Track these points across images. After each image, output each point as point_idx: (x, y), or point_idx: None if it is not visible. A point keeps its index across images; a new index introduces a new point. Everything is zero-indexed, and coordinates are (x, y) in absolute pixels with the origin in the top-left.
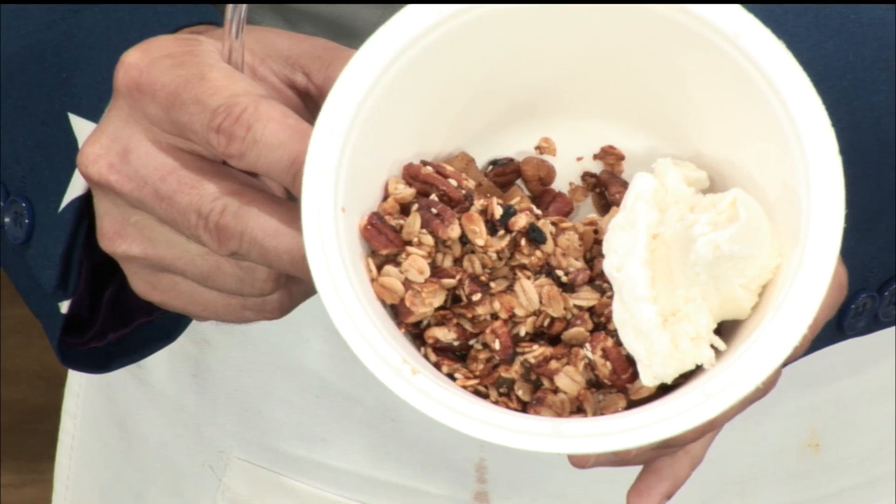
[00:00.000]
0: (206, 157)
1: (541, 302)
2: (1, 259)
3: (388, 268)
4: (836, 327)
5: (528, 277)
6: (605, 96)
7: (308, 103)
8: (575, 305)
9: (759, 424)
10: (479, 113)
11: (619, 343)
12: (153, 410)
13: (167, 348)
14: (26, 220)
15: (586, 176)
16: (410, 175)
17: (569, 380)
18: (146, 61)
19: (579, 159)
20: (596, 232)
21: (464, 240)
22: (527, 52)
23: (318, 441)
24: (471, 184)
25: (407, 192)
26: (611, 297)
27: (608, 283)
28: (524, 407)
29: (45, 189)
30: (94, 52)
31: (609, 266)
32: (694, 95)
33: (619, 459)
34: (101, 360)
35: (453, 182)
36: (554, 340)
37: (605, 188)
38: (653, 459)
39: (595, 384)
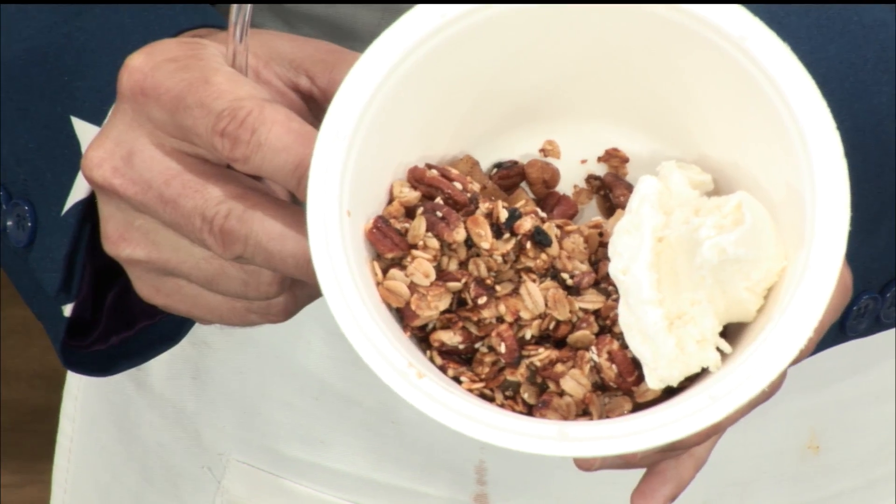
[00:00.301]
0: (211, 160)
1: (546, 305)
2: (3, 262)
3: (394, 271)
4: (838, 329)
5: (534, 280)
6: (609, 99)
7: (312, 107)
8: (580, 308)
9: (760, 426)
10: (483, 116)
11: (624, 346)
12: (152, 412)
13: (166, 351)
14: (29, 224)
15: (590, 179)
16: (415, 178)
17: (574, 383)
18: (150, 65)
19: (583, 162)
20: (601, 235)
21: (469, 243)
22: (531, 55)
23: (317, 443)
24: (476, 187)
25: (412, 195)
26: (616, 300)
27: (613, 286)
28: (530, 410)
29: (47, 192)
30: (97, 54)
31: (615, 269)
32: (698, 98)
33: (624, 462)
34: (104, 363)
35: (458, 185)
36: (559, 343)
37: (610, 191)
38: (657, 461)
39: (601, 387)
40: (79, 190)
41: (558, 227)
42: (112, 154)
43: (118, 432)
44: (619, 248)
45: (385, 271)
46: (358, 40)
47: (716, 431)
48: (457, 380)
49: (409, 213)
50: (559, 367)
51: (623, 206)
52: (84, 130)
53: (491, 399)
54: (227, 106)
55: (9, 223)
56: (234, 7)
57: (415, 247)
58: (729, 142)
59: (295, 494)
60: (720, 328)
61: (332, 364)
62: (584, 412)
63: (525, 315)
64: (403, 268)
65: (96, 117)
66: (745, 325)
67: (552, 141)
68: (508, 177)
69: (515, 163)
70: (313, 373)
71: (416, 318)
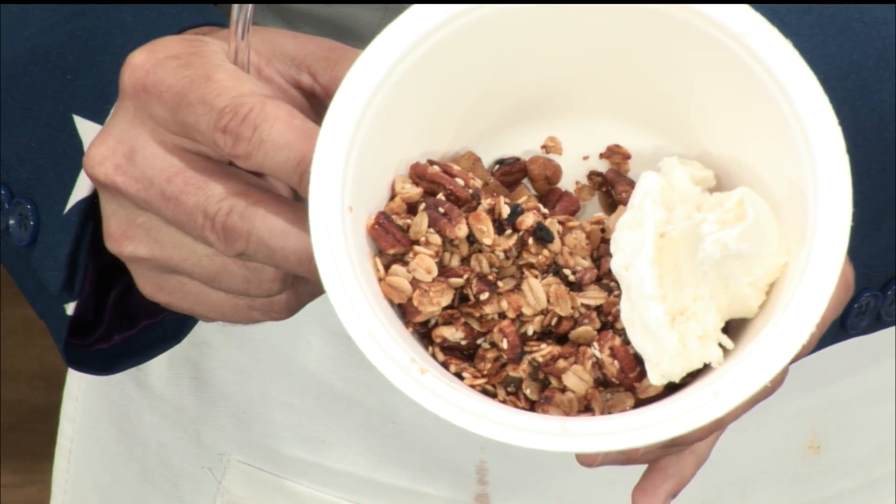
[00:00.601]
0: (213, 157)
1: (548, 301)
2: (5, 261)
3: (396, 267)
4: (839, 326)
5: (536, 276)
6: (610, 95)
7: (314, 103)
8: (582, 304)
9: (760, 426)
10: (485, 112)
11: (626, 342)
12: (152, 413)
13: (167, 351)
14: (31, 222)
15: (592, 175)
16: (417, 174)
17: (577, 379)
18: (152, 62)
19: (585, 158)
20: (603, 231)
21: (471, 239)
22: (532, 52)
23: (317, 443)
24: (478, 183)
25: (414, 191)
26: (618, 296)
27: (615, 281)
28: (532, 406)
29: (49, 191)
30: (99, 53)
31: (617, 265)
32: (700, 94)
33: (626, 458)
34: (106, 362)
35: (460, 181)
36: (562, 339)
37: (612, 187)
38: (658, 458)
39: (603, 383)
40: (81, 188)
41: (560, 223)
42: (114, 151)
43: (118, 433)
44: (621, 244)
45: (387, 267)
46: (359, 39)
47: (718, 427)
48: (459, 376)
49: (411, 209)
50: (561, 363)
51: (625, 203)
52: (86, 129)
53: (493, 395)
54: (229, 103)
55: (11, 222)
56: (236, 4)
57: (417, 243)
58: (731, 138)
59: (295, 495)
60: (722, 324)
61: (332, 364)
62: (586, 408)
63: (527, 311)
64: (405, 264)
65: (99, 116)
66: (747, 320)
67: (554, 137)
68: (510, 173)
69: (517, 159)
70: (314, 373)
71: (418, 314)
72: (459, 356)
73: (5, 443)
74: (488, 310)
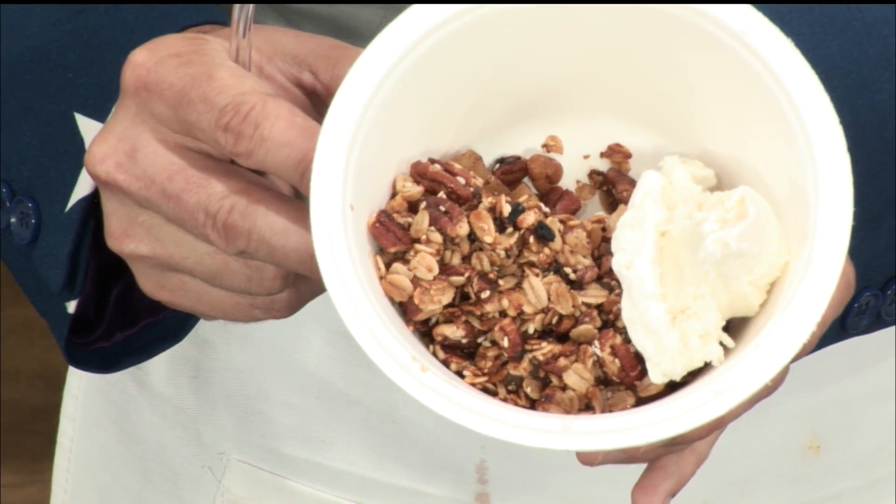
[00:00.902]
0: (214, 155)
1: (549, 299)
2: (6, 259)
3: (397, 265)
4: (839, 326)
5: (537, 275)
6: (611, 94)
7: (315, 102)
8: (583, 303)
9: (760, 426)
10: (486, 111)
11: (627, 340)
12: (152, 412)
13: (167, 350)
14: (32, 221)
15: (593, 174)
16: (418, 173)
17: (577, 377)
18: (153, 60)
19: (586, 157)
20: (603, 230)
21: (472, 237)
22: (533, 51)
23: (318, 442)
24: (479, 181)
25: (415, 189)
26: (619, 295)
27: (616, 280)
28: (533, 404)
29: (51, 189)
30: (100, 51)
31: (618, 264)
32: (701, 93)
33: (627, 457)
34: (107, 361)
35: (461, 180)
36: (562, 338)
37: (613, 186)
38: (659, 456)
39: (603, 381)
40: (82, 186)
41: (561, 221)
42: (115, 149)
43: (119, 432)
44: (622, 243)
45: (388, 265)
46: (360, 38)
47: (719, 426)
48: (460, 374)
49: (412, 207)
50: (562, 362)
51: (626, 202)
52: (87, 127)
53: (494, 393)
54: (231, 101)
55: (12, 220)
56: (237, 4)
57: (418, 241)
58: (731, 137)
59: (295, 494)
60: (723, 323)
61: (332, 363)
62: (587, 406)
63: (528, 309)
64: (406, 262)
65: (100, 114)
66: (747, 319)
67: (555, 136)
68: (511, 172)
69: (518, 158)
70: (314, 372)
71: (419, 313)
72: (460, 354)
73: (5, 443)
74: (489, 308)
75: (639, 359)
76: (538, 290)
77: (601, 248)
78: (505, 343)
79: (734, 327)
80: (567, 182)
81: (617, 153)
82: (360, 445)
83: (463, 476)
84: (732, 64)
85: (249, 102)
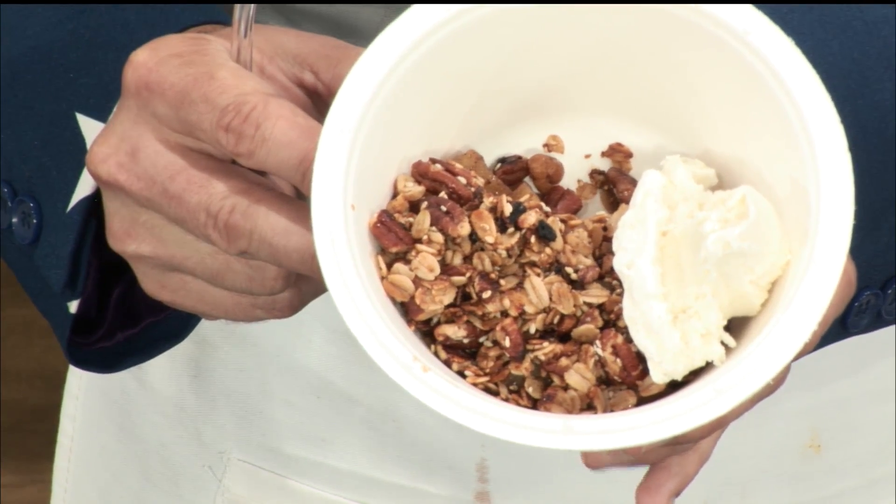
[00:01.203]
0: (216, 155)
1: (550, 299)
2: (8, 259)
3: (398, 265)
4: (839, 325)
5: (538, 275)
6: (612, 94)
7: (316, 102)
8: (585, 303)
9: (760, 425)
10: (487, 111)
11: (629, 340)
12: (153, 412)
13: (170, 349)
14: (34, 221)
15: (594, 173)
16: (419, 173)
17: (579, 377)
18: (155, 60)
19: (587, 157)
20: (605, 229)
21: (473, 237)
22: (534, 50)
23: (318, 442)
24: (480, 181)
25: (416, 189)
26: (620, 295)
27: (617, 280)
28: (534, 404)
29: (52, 189)
30: (102, 51)
31: (619, 263)
32: (702, 92)
33: (633, 459)
34: (109, 360)
35: (462, 180)
36: (564, 338)
37: (614, 185)
38: (664, 457)
39: (605, 381)
40: (84, 186)
41: (562, 221)
42: (117, 149)
43: (119, 431)
44: (623, 243)
45: (389, 265)
46: (361, 38)
47: (721, 425)
48: (461, 374)
49: (414, 207)
50: (564, 362)
51: (627, 201)
52: (89, 127)
53: (495, 393)
54: (232, 101)
55: (14, 220)
56: (238, 4)
57: (419, 241)
58: (733, 136)
59: (296, 493)
60: (724, 322)
61: (333, 362)
62: (588, 406)
63: (529, 309)
64: (408, 262)
65: (101, 114)
66: (749, 319)
67: (556, 136)
68: (512, 172)
69: (519, 158)
70: (314, 371)
71: (421, 313)
72: (462, 354)
73: (5, 443)
74: (490, 308)
75: (640, 358)
76: (540, 290)
77: (602, 247)
78: (506, 343)
79: (735, 327)
80: (568, 182)
81: (618, 152)
82: (360, 445)
83: (463, 475)
84: (733, 63)
85: (251, 102)
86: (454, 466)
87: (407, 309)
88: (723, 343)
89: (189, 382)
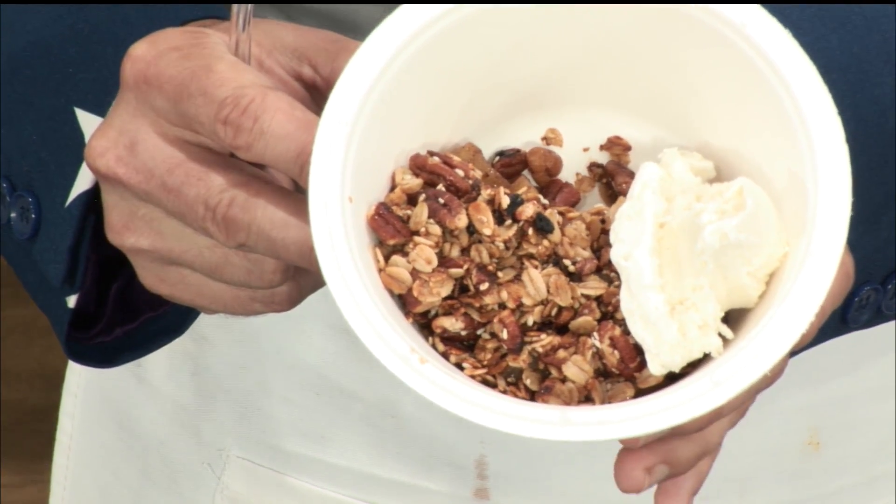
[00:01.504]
0: (214, 149)
1: (548, 291)
2: (7, 254)
3: (396, 258)
4: (839, 320)
5: (536, 267)
6: (610, 87)
7: (315, 95)
8: (582, 295)
9: (759, 423)
10: (485, 104)
11: (626, 332)
12: (152, 409)
13: (166, 346)
14: (32, 215)
15: (593, 166)
16: (417, 165)
17: (577, 369)
18: (153, 54)
19: (586, 150)
20: (603, 222)
21: (471, 230)
22: (532, 44)
23: (317, 439)
24: (478, 174)
25: (414, 182)
26: (618, 287)
27: (615, 272)
28: (532, 396)
29: (51, 183)
30: (100, 46)
31: (616, 255)
32: (700, 85)
33: (670, 472)
34: (107, 355)
35: (460, 172)
36: (562, 330)
37: (612, 178)
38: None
39: (603, 373)
40: (83, 181)
41: (560, 213)
42: (115, 143)
43: (118, 429)
44: (620, 234)
45: (387, 258)
46: (360, 33)
47: (718, 416)
48: (459, 366)
49: (411, 199)
50: (561, 354)
51: (625, 194)
52: (87, 121)
53: (493, 385)
54: (230, 94)
55: (13, 215)
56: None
57: (417, 233)
58: (731, 129)
59: (295, 490)
60: (722, 314)
61: (332, 359)
62: (586, 398)
63: (527, 301)
64: (405, 254)
65: (100, 108)
66: (746, 310)
67: (554, 129)
68: (511, 165)
69: (518, 151)
70: (314, 368)
71: (418, 305)
72: (459, 346)
73: (5, 443)
74: (488, 300)
75: (638, 350)
76: (537, 282)
77: (600, 240)
78: (504, 335)
79: (733, 318)
80: (566, 174)
81: (616, 146)
82: (359, 441)
83: (462, 471)
84: (732, 56)
85: (249, 95)
86: (453, 463)
87: (404, 301)
88: (720, 335)
89: (188, 380)
